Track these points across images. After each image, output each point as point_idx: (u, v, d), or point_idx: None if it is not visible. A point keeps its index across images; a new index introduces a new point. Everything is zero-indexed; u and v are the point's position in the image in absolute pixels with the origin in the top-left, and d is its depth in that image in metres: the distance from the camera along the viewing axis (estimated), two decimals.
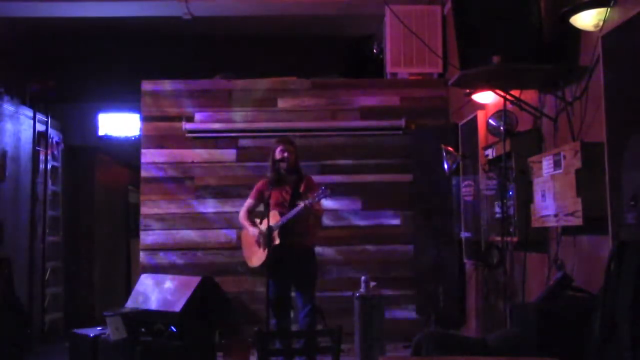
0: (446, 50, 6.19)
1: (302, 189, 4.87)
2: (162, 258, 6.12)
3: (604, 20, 3.04)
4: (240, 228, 5.33)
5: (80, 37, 7.48)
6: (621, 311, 2.37)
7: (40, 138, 7.13)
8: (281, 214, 4.78)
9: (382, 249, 6.15)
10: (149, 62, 7.32)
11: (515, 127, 4.09)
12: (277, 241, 4.75)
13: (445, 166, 5.03)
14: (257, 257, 4.87)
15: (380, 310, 4.63)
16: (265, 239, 4.68)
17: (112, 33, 7.36)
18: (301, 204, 4.68)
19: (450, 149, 5.05)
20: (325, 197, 4.75)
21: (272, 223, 4.72)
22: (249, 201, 5.06)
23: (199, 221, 6.17)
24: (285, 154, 4.85)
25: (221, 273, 5.96)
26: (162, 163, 6.23)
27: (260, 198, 4.96)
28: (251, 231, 4.90)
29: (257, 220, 4.96)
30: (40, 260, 7.00)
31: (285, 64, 7.05)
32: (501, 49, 3.39)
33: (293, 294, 4.97)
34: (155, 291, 5.36)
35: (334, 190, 5.80)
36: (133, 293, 5.53)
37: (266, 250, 4.74)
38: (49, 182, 7.23)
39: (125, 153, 8.20)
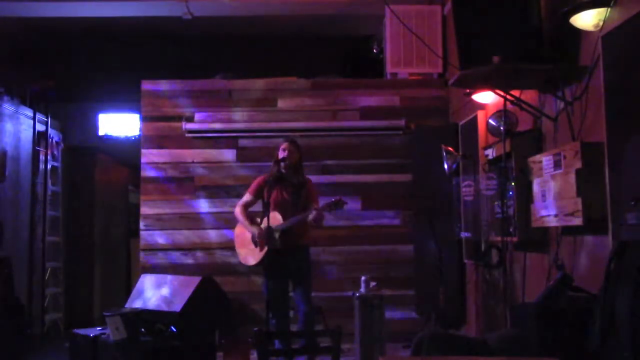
0: (446, 50, 6.19)
1: (304, 194, 4.84)
2: (162, 258, 6.12)
3: (604, 20, 3.04)
4: None
5: (80, 37, 7.48)
6: (621, 311, 2.36)
7: (40, 138, 7.14)
8: (283, 217, 4.74)
9: (382, 249, 6.15)
10: (149, 62, 7.33)
11: (515, 127, 4.09)
12: (278, 244, 4.70)
13: (445, 166, 5.02)
14: (253, 256, 4.83)
15: (380, 310, 4.63)
16: (265, 239, 4.67)
17: (112, 33, 7.36)
18: (312, 213, 4.62)
19: (450, 149, 5.05)
20: (338, 209, 4.74)
21: (273, 224, 4.69)
22: (246, 197, 4.98)
23: (199, 221, 6.17)
24: (286, 154, 4.85)
25: (221, 273, 5.95)
26: (162, 163, 6.23)
27: (259, 195, 4.89)
28: (249, 229, 4.86)
29: (258, 220, 4.90)
30: (40, 260, 7.01)
31: (285, 64, 7.05)
32: (501, 49, 3.39)
33: (291, 294, 4.95)
34: (155, 291, 5.36)
35: (334, 190, 5.83)
36: (133, 293, 5.54)
37: (264, 250, 4.72)
38: (49, 182, 7.23)
39: (125, 153, 8.20)
